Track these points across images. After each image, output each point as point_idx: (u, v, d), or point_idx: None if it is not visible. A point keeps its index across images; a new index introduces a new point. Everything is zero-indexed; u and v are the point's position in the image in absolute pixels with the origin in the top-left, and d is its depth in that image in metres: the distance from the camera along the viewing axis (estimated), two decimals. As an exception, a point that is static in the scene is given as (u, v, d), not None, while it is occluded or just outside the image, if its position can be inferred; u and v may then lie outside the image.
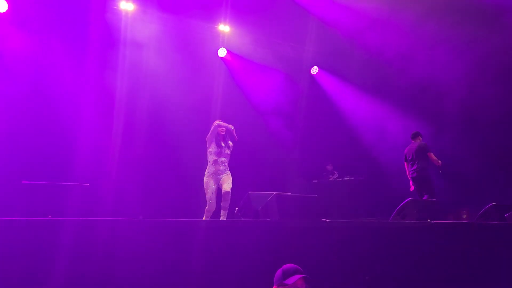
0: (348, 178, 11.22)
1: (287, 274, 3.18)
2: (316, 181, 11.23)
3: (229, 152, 6.89)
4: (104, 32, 9.25)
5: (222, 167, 6.72)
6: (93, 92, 8.93)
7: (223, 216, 6.54)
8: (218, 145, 6.79)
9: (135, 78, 9.53)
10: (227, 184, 6.62)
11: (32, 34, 8.49)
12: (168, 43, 9.99)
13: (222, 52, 11.04)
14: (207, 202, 6.57)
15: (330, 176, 11.42)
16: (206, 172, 6.70)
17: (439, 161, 8.70)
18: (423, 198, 8.39)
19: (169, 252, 4.80)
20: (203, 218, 6.55)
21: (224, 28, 10.89)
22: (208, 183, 6.61)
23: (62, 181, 5.28)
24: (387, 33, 10.41)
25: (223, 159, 6.78)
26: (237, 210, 6.50)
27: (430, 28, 9.85)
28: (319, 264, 5.21)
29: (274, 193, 5.84)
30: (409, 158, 8.93)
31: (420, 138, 9.08)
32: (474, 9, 9.32)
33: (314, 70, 12.45)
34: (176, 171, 8.67)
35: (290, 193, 6.54)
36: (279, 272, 3.25)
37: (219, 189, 6.64)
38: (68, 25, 8.88)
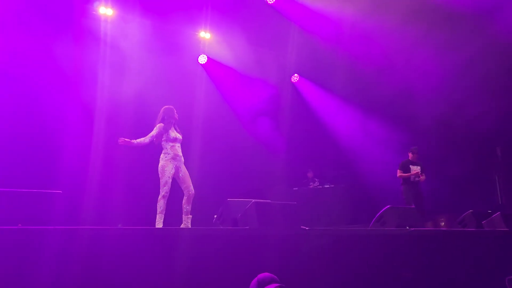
0: (328, 186, 11.23)
1: (262, 284, 3.12)
2: (296, 188, 11.21)
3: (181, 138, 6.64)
4: (84, 37, 9.13)
5: (180, 153, 6.50)
6: (73, 98, 8.78)
7: (188, 223, 6.38)
8: (176, 130, 6.62)
9: (116, 84, 9.40)
10: (191, 184, 6.46)
11: (10, 38, 8.31)
12: (149, 50, 9.91)
13: (202, 59, 10.99)
14: (163, 186, 6.26)
15: (311, 183, 11.41)
16: (162, 156, 6.40)
17: (401, 175, 9.41)
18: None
19: (147, 261, 4.69)
20: (160, 207, 6.25)
21: (205, 35, 10.86)
22: (166, 166, 6.31)
23: (41, 188, 5.11)
24: (367, 41, 10.52)
25: (179, 144, 6.57)
26: (216, 217, 6.42)
27: (409, 36, 9.98)
28: (298, 272, 5.16)
29: (253, 200, 5.77)
30: None
31: (409, 153, 9.58)
32: (453, 15, 9.48)
33: (295, 78, 12.50)
34: (157, 177, 8.52)
35: (269, 201, 6.47)
36: (254, 282, 3.19)
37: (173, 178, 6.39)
38: (47, 29, 8.73)
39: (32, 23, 8.56)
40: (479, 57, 9.59)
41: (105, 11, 9.53)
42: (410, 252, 6.17)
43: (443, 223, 10.63)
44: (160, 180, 6.36)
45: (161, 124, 6.59)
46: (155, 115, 9.46)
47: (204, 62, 11.02)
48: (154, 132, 6.52)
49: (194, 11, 10.23)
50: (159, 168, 6.41)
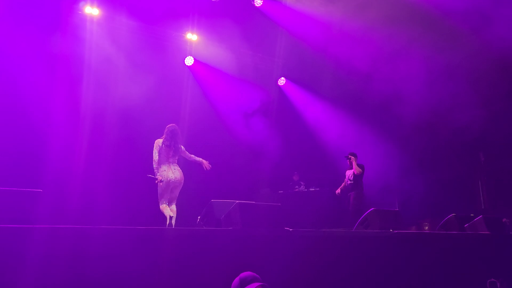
0: (313, 189, 11.25)
1: (244, 283, 3.11)
2: (282, 191, 11.20)
3: None
4: (69, 36, 9.05)
5: None
6: (58, 97, 8.69)
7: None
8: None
9: (102, 84, 9.35)
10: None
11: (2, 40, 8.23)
12: (135, 51, 9.85)
13: (189, 61, 10.97)
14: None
15: (296, 186, 11.42)
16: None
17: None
18: None
19: (131, 261, 4.64)
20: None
21: (191, 36, 10.84)
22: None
23: (27, 187, 5.02)
24: (354, 45, 10.59)
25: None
26: (200, 218, 6.38)
27: (396, 40, 10.08)
28: (281, 273, 5.15)
29: (237, 201, 5.74)
30: None
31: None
32: (440, 20, 9.60)
33: (282, 81, 12.53)
34: (142, 177, 8.48)
35: (253, 202, 6.45)
36: (236, 280, 3.17)
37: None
38: (32, 28, 8.65)
39: (17, 21, 8.48)
40: (464, 62, 9.72)
41: (91, 11, 9.46)
42: (393, 254, 6.20)
43: (426, 227, 10.72)
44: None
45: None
46: (140, 116, 9.46)
47: (190, 64, 11.00)
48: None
49: (181, 13, 10.22)
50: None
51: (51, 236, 4.31)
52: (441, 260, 6.42)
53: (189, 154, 7.18)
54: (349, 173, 9.26)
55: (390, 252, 6.19)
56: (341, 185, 9.45)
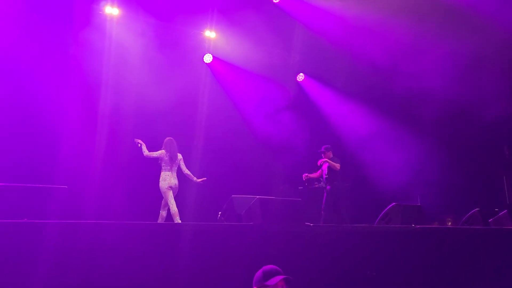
0: (333, 185, 11.17)
1: (268, 275, 3.11)
2: (301, 187, 11.17)
3: None
4: (89, 36, 9.16)
5: None
6: (77, 95, 8.82)
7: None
8: None
9: (120, 82, 9.44)
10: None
11: (15, 37, 8.38)
12: (154, 49, 9.91)
13: (208, 58, 11.01)
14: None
15: (316, 182, 11.37)
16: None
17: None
18: None
19: (153, 256, 4.72)
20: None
21: (210, 34, 10.87)
22: None
23: (44, 183, 5.14)
24: (374, 40, 10.46)
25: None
26: (220, 214, 6.42)
27: (417, 34, 9.92)
28: (302, 268, 5.15)
29: (257, 196, 5.77)
30: None
31: None
32: (464, 13, 9.40)
33: (300, 77, 12.47)
34: (156, 176, 8.58)
35: (273, 197, 6.46)
36: (259, 273, 3.17)
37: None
38: (52, 28, 8.78)
39: (38, 21, 8.63)
40: (491, 53, 9.50)
41: (111, 11, 9.57)
42: (416, 250, 6.14)
43: (449, 222, 10.56)
44: None
45: None
46: (159, 114, 9.55)
47: (209, 61, 11.04)
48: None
49: (199, 11, 10.25)
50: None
51: (67, 231, 4.40)
52: (464, 256, 6.33)
53: (185, 167, 7.78)
54: (325, 166, 8.92)
55: (412, 248, 6.13)
56: (316, 173, 9.05)
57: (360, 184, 11.35)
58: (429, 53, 10.02)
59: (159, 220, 7.32)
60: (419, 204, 9.95)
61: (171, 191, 7.46)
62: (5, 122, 8.13)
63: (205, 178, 7.75)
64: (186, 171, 7.73)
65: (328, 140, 11.97)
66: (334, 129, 12.24)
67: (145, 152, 7.59)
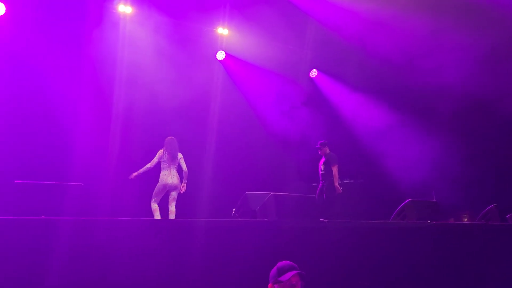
0: (347, 181, 11.12)
1: (282, 271, 3.12)
2: (315, 184, 11.14)
3: None
4: (102, 35, 9.24)
5: None
6: (90, 93, 8.91)
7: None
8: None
9: (133, 80, 9.52)
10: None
11: (30, 36, 8.50)
12: (166, 47, 9.96)
13: (220, 55, 11.02)
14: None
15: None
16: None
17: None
18: None
19: (166, 252, 4.75)
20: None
21: (222, 31, 10.88)
22: None
23: (58, 180, 5.22)
24: (388, 33, 10.34)
25: None
26: (235, 210, 6.44)
27: (432, 29, 9.79)
28: (317, 264, 5.15)
29: (272, 193, 5.77)
30: None
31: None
32: (478, 7, 9.24)
33: (313, 73, 12.42)
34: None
35: (287, 193, 6.46)
36: (274, 269, 3.19)
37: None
38: (66, 27, 8.88)
39: (51, 21, 8.73)
40: (505, 49, 9.34)
41: (124, 9, 9.64)
42: (431, 246, 6.08)
43: (466, 218, 10.45)
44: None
45: None
46: (172, 112, 9.61)
47: (222, 58, 11.06)
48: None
49: (212, 8, 10.26)
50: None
51: (84, 228, 4.46)
52: (481, 252, 6.25)
53: (184, 168, 7.75)
54: (321, 162, 8.85)
55: (428, 244, 6.08)
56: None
57: (375, 180, 11.28)
58: (446, 47, 9.87)
59: (170, 216, 7.42)
60: (434, 200, 9.85)
61: (163, 189, 7.56)
62: (22, 120, 8.26)
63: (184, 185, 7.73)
64: (185, 169, 7.74)
65: (342, 136, 11.94)
66: (348, 125, 12.17)
67: (146, 167, 7.64)
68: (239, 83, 11.30)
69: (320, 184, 8.78)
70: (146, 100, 9.56)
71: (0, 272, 3.99)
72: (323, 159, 8.71)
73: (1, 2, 8.37)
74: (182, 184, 7.63)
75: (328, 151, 8.74)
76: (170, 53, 9.95)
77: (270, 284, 3.14)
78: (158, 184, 7.58)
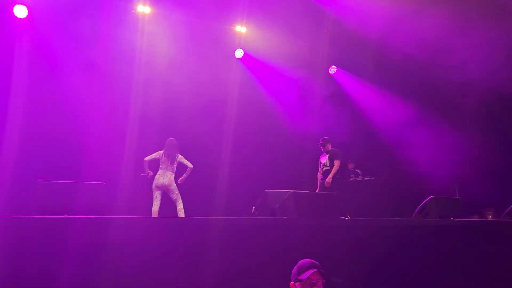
0: (369, 178, 11.02)
1: (302, 269, 3.11)
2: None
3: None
4: (121, 35, 9.35)
5: None
6: (109, 93, 9.02)
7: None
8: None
9: (151, 80, 9.60)
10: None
11: (49, 38, 8.65)
12: (185, 45, 10.01)
13: (239, 53, 11.02)
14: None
15: (352, 175, 11.24)
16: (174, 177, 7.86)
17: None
18: None
19: (185, 250, 4.76)
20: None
21: (240, 29, 10.88)
22: None
23: (78, 180, 5.31)
24: (409, 31, 10.17)
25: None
26: (254, 208, 6.43)
27: (454, 24, 9.58)
28: (337, 262, 5.10)
29: (291, 191, 5.74)
30: None
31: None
32: (502, 2, 9.02)
33: (333, 69, 12.32)
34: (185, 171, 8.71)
35: (307, 191, 6.42)
36: (295, 267, 3.19)
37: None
38: (85, 29, 9.00)
39: (71, 22, 8.86)
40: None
41: (143, 9, 9.72)
42: (454, 244, 5.97)
43: (490, 216, 10.25)
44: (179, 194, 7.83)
45: None
46: (190, 110, 9.66)
47: (240, 56, 11.05)
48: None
49: (229, 6, 10.26)
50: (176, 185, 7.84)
51: (104, 226, 4.51)
52: (506, 250, 6.11)
53: (188, 165, 7.91)
54: (323, 159, 8.64)
55: (451, 241, 5.97)
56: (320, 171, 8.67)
57: (397, 176, 11.15)
58: (470, 42, 9.66)
59: (179, 214, 7.60)
60: (457, 197, 9.68)
61: (159, 191, 7.78)
62: (44, 121, 8.41)
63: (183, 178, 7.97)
64: (190, 166, 7.91)
65: (363, 133, 11.83)
66: (369, 121, 12.05)
67: (146, 159, 7.92)
68: (257, 81, 11.29)
69: (321, 180, 8.55)
70: (164, 99, 9.63)
71: (23, 269, 4.07)
72: (324, 156, 8.61)
73: (23, 5, 8.54)
74: (182, 177, 7.86)
75: (330, 148, 8.64)
76: (188, 52, 10.00)
77: (291, 283, 3.14)
78: (153, 185, 7.87)
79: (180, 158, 7.94)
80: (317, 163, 8.89)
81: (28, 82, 8.28)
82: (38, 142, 8.18)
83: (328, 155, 8.54)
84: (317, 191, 8.37)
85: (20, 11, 8.52)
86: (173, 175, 7.87)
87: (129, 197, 8.42)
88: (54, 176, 5.40)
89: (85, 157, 8.30)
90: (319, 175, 8.64)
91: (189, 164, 7.88)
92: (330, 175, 8.26)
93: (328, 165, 8.48)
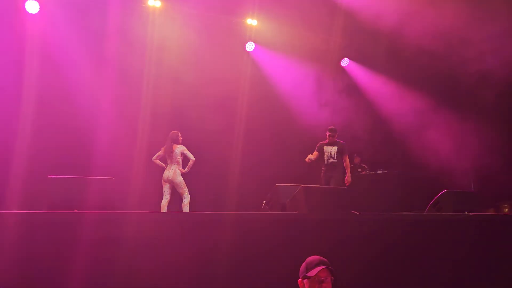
0: (381, 172, 10.91)
1: (310, 266, 3.08)
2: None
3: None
4: (131, 29, 9.34)
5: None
6: (118, 88, 9.03)
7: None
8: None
9: (161, 74, 9.60)
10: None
11: (60, 32, 8.68)
12: (195, 39, 9.98)
13: (250, 46, 10.96)
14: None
15: (359, 169, 11.13)
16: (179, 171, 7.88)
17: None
18: None
19: (195, 245, 4.75)
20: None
21: (251, 22, 10.82)
22: None
23: (89, 175, 5.33)
24: (423, 23, 9.99)
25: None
26: (265, 203, 6.40)
27: (469, 14, 9.38)
28: (348, 257, 5.05)
29: (302, 185, 5.68)
30: None
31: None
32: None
33: (345, 62, 12.19)
34: (198, 165, 8.69)
35: (318, 186, 6.35)
36: (303, 264, 3.15)
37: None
38: (96, 24, 9.02)
39: (82, 17, 8.89)
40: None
41: (154, 3, 9.71)
42: (469, 238, 5.86)
43: (506, 209, 10.09)
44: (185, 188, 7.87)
45: None
46: (201, 104, 9.65)
47: (251, 50, 10.99)
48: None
49: (240, -1, 10.21)
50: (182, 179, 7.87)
51: (115, 222, 4.52)
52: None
53: (191, 157, 7.91)
54: (330, 149, 8.17)
55: (465, 236, 5.87)
56: (313, 154, 8.11)
57: (410, 170, 11.02)
58: (486, 32, 9.44)
59: (183, 210, 7.64)
60: (472, 190, 9.54)
61: (167, 184, 7.84)
62: (54, 116, 8.45)
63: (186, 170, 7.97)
64: (192, 158, 7.91)
65: (376, 125, 11.70)
66: (381, 114, 11.92)
67: (153, 159, 8.05)
68: (268, 74, 11.22)
69: (325, 173, 8.14)
70: (175, 93, 9.62)
71: (33, 264, 4.10)
72: (329, 146, 8.13)
73: (35, 0, 8.58)
74: (184, 169, 7.88)
75: (336, 139, 8.26)
76: (198, 45, 9.97)
77: (299, 280, 3.11)
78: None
79: (182, 150, 7.92)
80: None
81: (39, 77, 8.33)
82: (48, 137, 8.23)
83: (336, 147, 8.17)
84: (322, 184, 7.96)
85: (32, 7, 8.58)
86: (178, 168, 7.87)
87: (140, 193, 8.45)
88: (65, 171, 5.41)
89: (96, 152, 8.34)
90: (323, 168, 8.17)
91: (191, 157, 7.88)
92: (349, 173, 8.07)
93: (335, 158, 8.13)
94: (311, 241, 5.03)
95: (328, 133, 8.26)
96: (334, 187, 6.45)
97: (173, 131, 8.03)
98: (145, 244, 4.54)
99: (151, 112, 9.35)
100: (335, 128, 8.40)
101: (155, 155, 8.03)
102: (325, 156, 8.17)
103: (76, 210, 4.60)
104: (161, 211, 7.58)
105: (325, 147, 8.22)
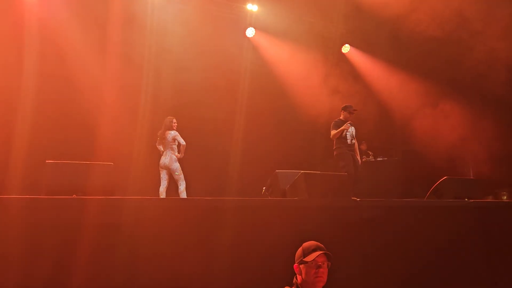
0: (381, 159, 10.90)
1: (307, 252, 3.08)
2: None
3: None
4: (132, 16, 9.27)
5: None
6: (120, 74, 8.99)
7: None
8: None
9: (162, 60, 9.54)
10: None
11: (61, 18, 8.61)
12: (195, 25, 9.90)
13: (250, 32, 10.88)
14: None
15: (364, 156, 11.12)
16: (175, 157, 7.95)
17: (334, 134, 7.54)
18: None
19: (195, 232, 4.74)
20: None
21: (252, 7, 10.72)
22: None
23: (90, 160, 5.31)
24: (427, 9, 9.87)
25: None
26: (265, 189, 6.38)
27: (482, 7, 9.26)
28: (348, 243, 5.05)
29: (302, 171, 5.66)
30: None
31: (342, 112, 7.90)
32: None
33: (346, 48, 12.11)
34: (199, 152, 8.70)
35: (318, 171, 6.33)
36: (299, 249, 3.15)
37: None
38: (98, 10, 8.94)
39: (80, 2, 8.79)
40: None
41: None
42: (469, 225, 5.86)
43: (505, 197, 10.10)
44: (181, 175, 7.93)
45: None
46: (201, 90, 9.61)
47: (252, 35, 10.91)
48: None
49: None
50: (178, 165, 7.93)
51: (114, 207, 4.50)
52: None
53: (181, 142, 7.94)
54: (352, 129, 7.73)
55: (465, 223, 5.87)
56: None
57: (410, 157, 11.00)
58: (493, 17, 9.32)
59: (181, 196, 7.69)
60: (472, 177, 9.53)
61: (164, 170, 7.93)
62: (53, 101, 8.42)
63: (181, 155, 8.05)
64: (182, 143, 7.96)
65: (377, 112, 11.65)
66: (382, 101, 11.86)
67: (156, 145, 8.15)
68: (269, 60, 11.15)
69: (350, 152, 7.67)
70: (175, 79, 9.57)
71: (31, 251, 4.08)
72: (348, 126, 7.62)
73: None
74: (180, 153, 7.98)
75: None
76: (199, 31, 9.89)
77: (295, 265, 3.10)
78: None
79: (174, 135, 7.93)
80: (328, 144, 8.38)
81: (40, 63, 8.28)
82: (49, 123, 8.22)
83: (354, 128, 7.72)
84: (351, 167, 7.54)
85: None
86: (174, 154, 7.91)
87: (140, 179, 8.45)
88: (65, 158, 5.39)
89: (97, 138, 8.32)
90: (346, 148, 7.56)
91: (182, 141, 7.92)
92: (359, 156, 7.84)
93: (353, 140, 7.74)
94: (311, 227, 5.01)
95: (355, 109, 7.74)
96: (335, 173, 6.44)
97: (167, 117, 8.06)
98: (148, 230, 4.52)
99: (152, 98, 9.32)
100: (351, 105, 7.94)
101: (157, 141, 8.12)
102: (348, 136, 7.66)
103: (74, 196, 4.58)
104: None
105: (344, 125, 7.69)
